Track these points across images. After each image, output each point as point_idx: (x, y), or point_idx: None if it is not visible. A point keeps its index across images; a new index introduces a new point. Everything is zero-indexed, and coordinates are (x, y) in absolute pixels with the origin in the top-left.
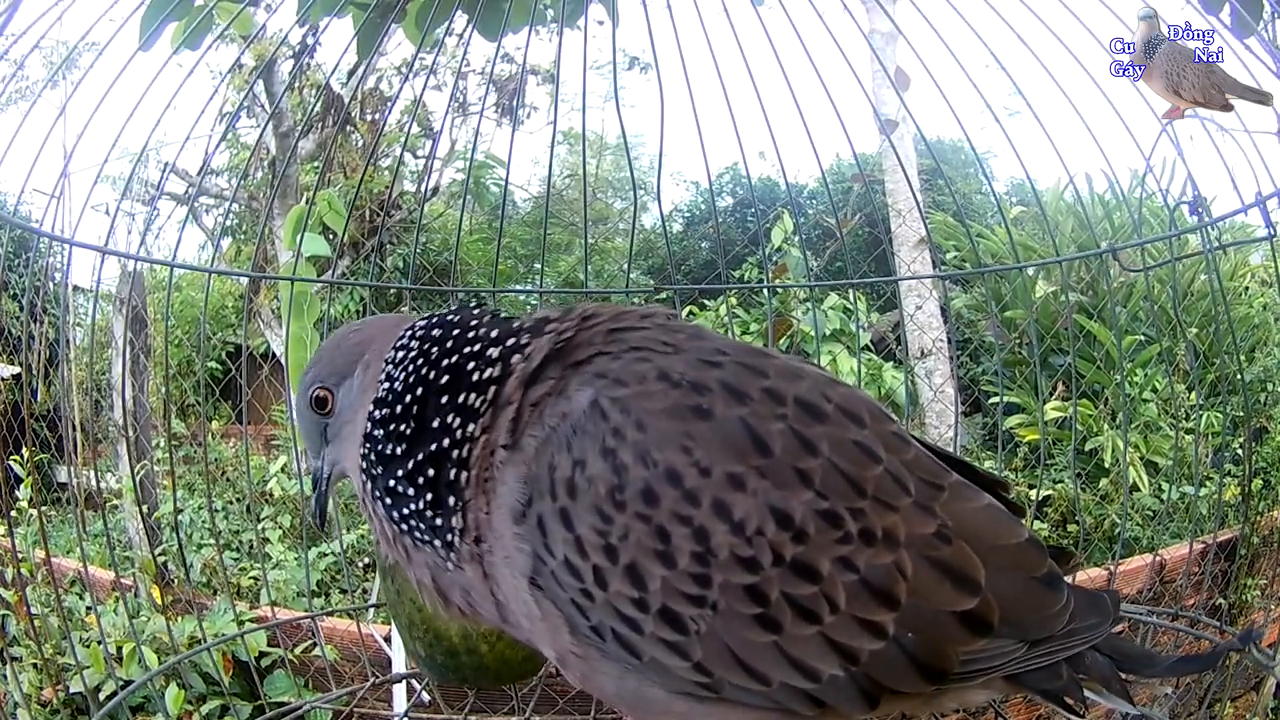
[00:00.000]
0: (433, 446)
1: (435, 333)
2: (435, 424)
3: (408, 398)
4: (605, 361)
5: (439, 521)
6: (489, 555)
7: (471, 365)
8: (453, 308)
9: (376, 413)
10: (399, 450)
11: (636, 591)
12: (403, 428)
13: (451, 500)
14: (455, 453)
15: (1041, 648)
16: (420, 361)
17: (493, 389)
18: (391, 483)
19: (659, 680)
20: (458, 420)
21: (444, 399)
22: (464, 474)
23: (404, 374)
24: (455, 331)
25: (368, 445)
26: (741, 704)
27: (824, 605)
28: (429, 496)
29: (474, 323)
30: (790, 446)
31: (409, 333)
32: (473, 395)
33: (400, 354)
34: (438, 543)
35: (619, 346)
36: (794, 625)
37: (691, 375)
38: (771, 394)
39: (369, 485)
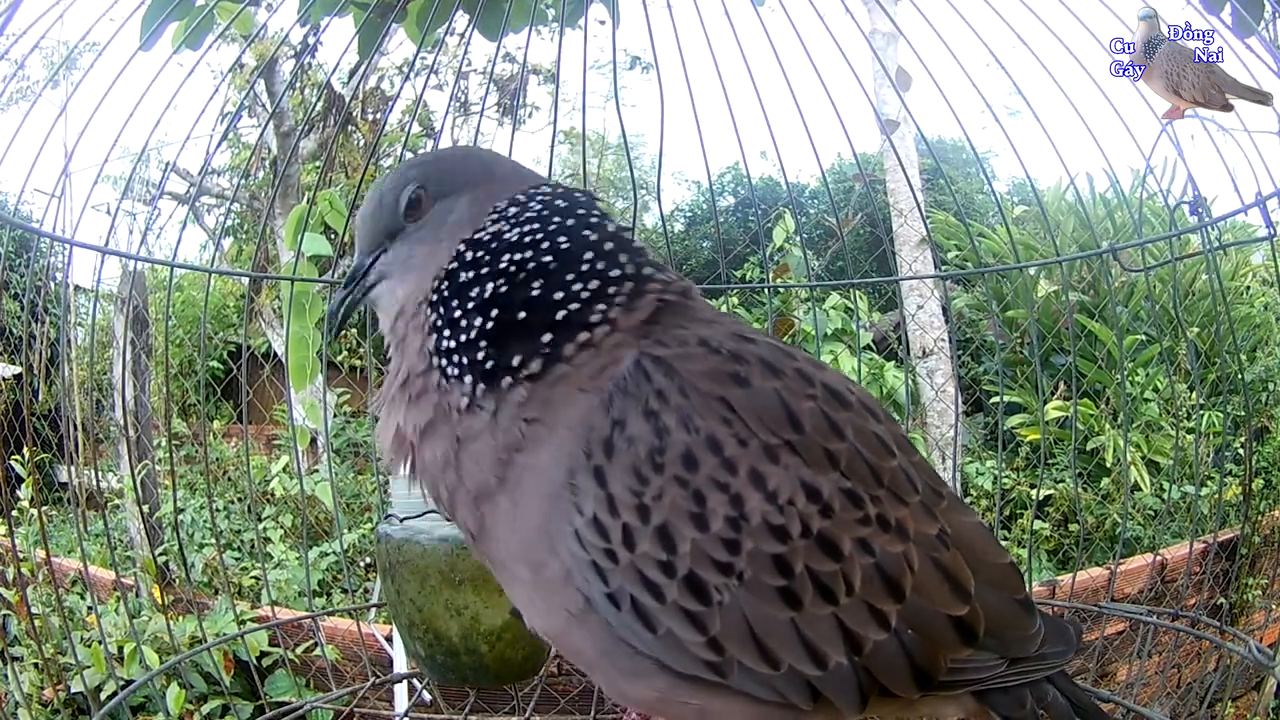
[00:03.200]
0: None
1: (560, 205)
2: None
3: (510, 257)
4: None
5: (491, 360)
6: (518, 449)
7: (587, 267)
8: (576, 193)
9: (469, 254)
10: (481, 290)
11: (665, 554)
12: (498, 283)
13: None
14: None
15: (1018, 667)
16: (538, 233)
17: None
18: (458, 313)
19: (664, 658)
20: (579, 290)
21: (548, 281)
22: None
23: (517, 234)
24: (576, 220)
25: (447, 282)
26: (730, 690)
27: (842, 585)
28: (493, 332)
29: (596, 219)
30: (820, 426)
31: (534, 192)
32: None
33: (515, 210)
34: (468, 378)
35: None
36: (813, 603)
37: (730, 345)
38: (802, 375)
39: (430, 314)
